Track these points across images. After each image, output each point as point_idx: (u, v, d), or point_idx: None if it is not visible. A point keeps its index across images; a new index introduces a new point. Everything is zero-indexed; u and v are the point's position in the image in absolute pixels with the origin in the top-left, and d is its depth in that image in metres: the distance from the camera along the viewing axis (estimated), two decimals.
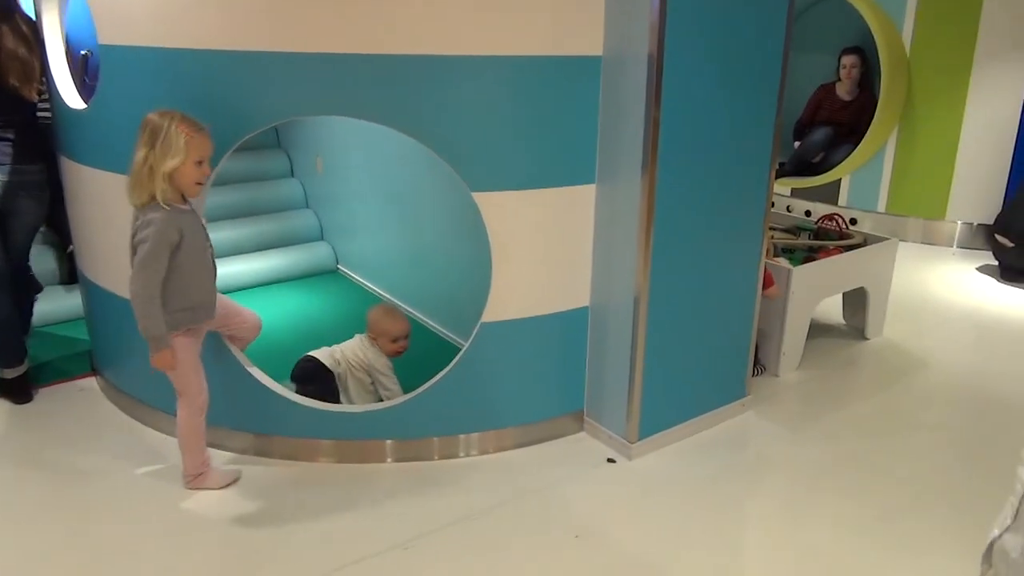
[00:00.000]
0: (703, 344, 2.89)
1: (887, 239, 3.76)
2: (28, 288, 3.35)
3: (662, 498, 2.57)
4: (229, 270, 4.30)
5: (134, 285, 2.27)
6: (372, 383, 2.94)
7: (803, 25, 5.92)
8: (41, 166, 3.02)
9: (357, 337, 2.98)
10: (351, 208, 4.42)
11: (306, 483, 2.63)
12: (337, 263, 4.69)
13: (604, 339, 2.80)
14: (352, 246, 4.56)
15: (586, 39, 2.52)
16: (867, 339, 3.83)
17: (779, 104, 2.80)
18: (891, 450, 2.88)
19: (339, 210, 4.58)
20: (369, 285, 4.38)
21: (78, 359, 3.45)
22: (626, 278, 2.65)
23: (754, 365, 3.20)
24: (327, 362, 2.93)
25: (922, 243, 5.49)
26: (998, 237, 4.74)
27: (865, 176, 5.68)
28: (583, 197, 2.68)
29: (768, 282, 3.15)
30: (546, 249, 2.67)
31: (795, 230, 4.07)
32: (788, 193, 6.00)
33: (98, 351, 3.25)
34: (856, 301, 3.81)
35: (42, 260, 3.88)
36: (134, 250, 2.28)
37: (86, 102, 2.72)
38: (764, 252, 2.98)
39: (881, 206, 5.64)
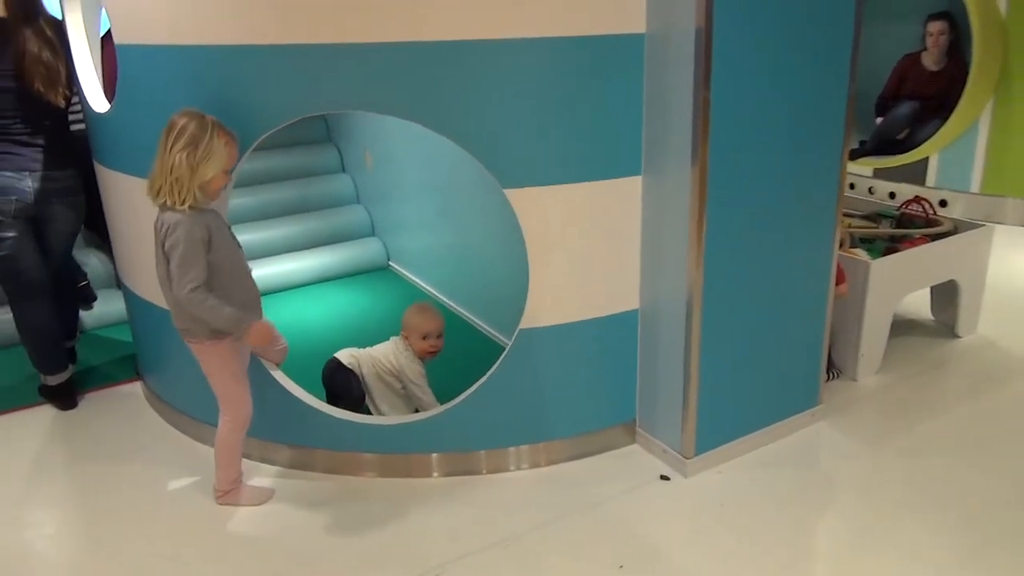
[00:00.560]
0: (767, 348, 2.61)
1: (982, 225, 3.37)
2: (71, 294, 3.34)
3: (718, 523, 2.33)
4: (279, 269, 4.24)
5: (180, 290, 2.17)
6: (403, 388, 2.79)
7: None
8: (73, 172, 2.96)
9: (392, 340, 2.84)
10: (402, 203, 4.28)
11: (346, 498, 2.51)
12: (388, 260, 4.57)
13: (655, 344, 2.56)
14: (403, 242, 4.43)
15: (627, 15, 2.27)
16: (959, 337, 3.45)
17: (852, 76, 2.49)
18: (986, 470, 2.55)
19: (390, 205, 4.45)
20: (420, 283, 4.24)
21: (124, 363, 3.43)
22: (677, 277, 2.41)
23: (827, 369, 2.90)
24: (346, 361, 2.81)
25: (1022, 226, 4.99)
26: None
27: (956, 153, 5.20)
28: (628, 190, 2.44)
29: (838, 278, 2.83)
30: (588, 249, 2.45)
31: (875, 217, 3.71)
32: (870, 174, 5.56)
33: (141, 358, 3.20)
34: (946, 294, 3.44)
35: (94, 263, 3.88)
36: (168, 257, 2.19)
37: None
38: (837, 243, 2.68)
39: (975, 186, 5.15)
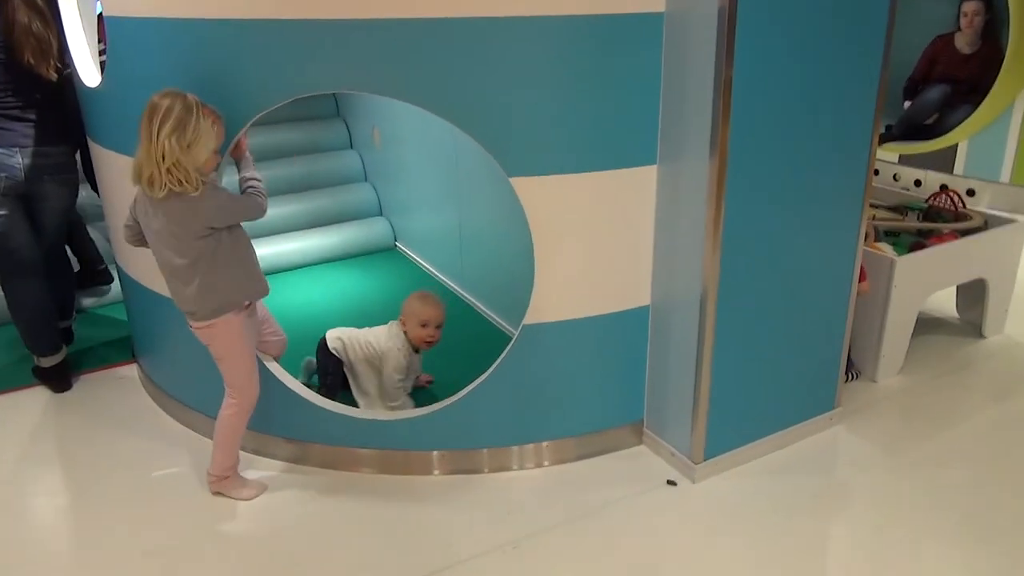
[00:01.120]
0: (784, 348, 2.49)
1: (1013, 221, 3.21)
2: (67, 272, 3.25)
3: (725, 532, 2.22)
4: (282, 248, 4.14)
5: (261, 212, 2.28)
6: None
7: None
8: (65, 148, 2.86)
9: (389, 324, 2.74)
10: (410, 183, 4.15)
11: (341, 495, 2.43)
12: (395, 240, 4.45)
13: (666, 343, 2.44)
14: (411, 223, 4.30)
15: None
16: (985, 337, 3.30)
17: (885, 60, 2.33)
18: (1013, 483, 2.42)
19: (398, 185, 4.32)
20: (426, 265, 4.12)
21: (121, 344, 3.35)
22: (692, 272, 2.28)
23: (847, 369, 2.77)
24: (331, 344, 2.75)
25: None
26: None
27: (987, 141, 4.99)
28: (642, 180, 2.30)
29: (859, 276, 2.68)
30: (598, 242, 2.32)
31: (901, 209, 3.55)
32: (896, 160, 5.36)
33: (136, 340, 3.12)
34: (973, 292, 3.29)
35: (99, 238, 3.79)
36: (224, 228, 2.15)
37: None
38: (862, 237, 2.54)
39: (1005, 176, 4.94)
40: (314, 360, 2.86)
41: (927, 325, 3.35)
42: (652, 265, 2.41)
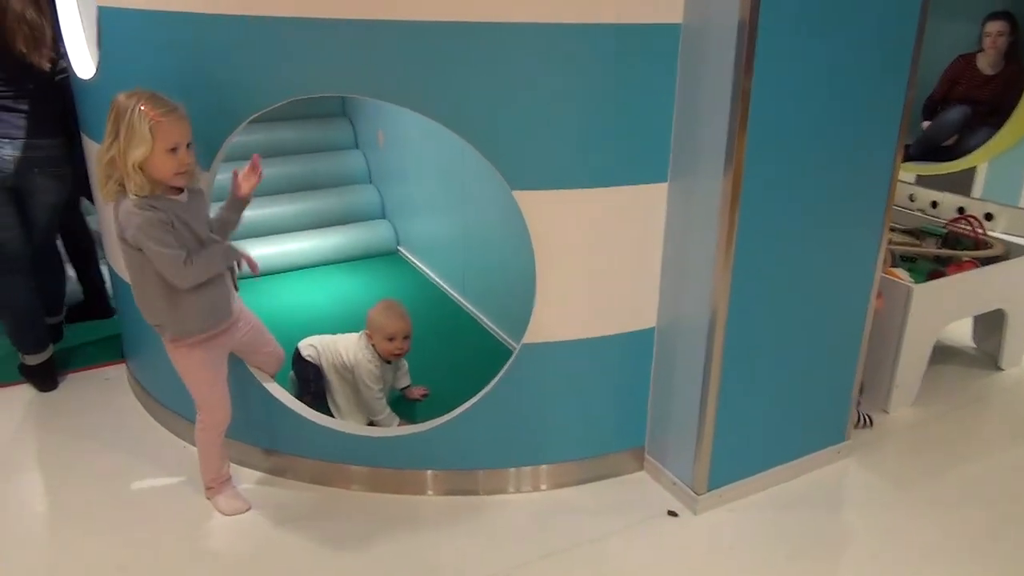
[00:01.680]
0: (794, 376, 2.38)
1: None
2: (56, 268, 3.16)
3: (724, 568, 2.12)
4: (282, 248, 4.05)
5: (183, 282, 1.98)
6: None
7: None
8: (58, 141, 2.77)
9: (360, 334, 2.65)
10: (414, 185, 4.05)
11: (330, 513, 2.34)
12: (398, 244, 4.35)
13: (671, 366, 2.34)
14: (414, 227, 4.20)
15: (663, 2, 2.02)
16: (1002, 369, 3.19)
17: (911, 79, 2.22)
18: None
19: (402, 187, 4.22)
20: (428, 272, 4.02)
21: (111, 343, 3.25)
22: (700, 294, 2.17)
23: (858, 416, 2.66)
24: (304, 351, 2.65)
25: None
26: None
27: (1007, 164, 4.87)
28: (652, 198, 2.20)
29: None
30: (603, 261, 2.22)
31: (919, 233, 3.44)
32: (912, 180, 5.25)
33: (125, 340, 3.03)
34: (990, 322, 3.18)
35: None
36: (137, 252, 1.98)
37: None
38: (881, 263, 2.43)
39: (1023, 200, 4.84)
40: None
41: (942, 354, 3.24)
42: (659, 286, 2.31)
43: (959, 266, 2.97)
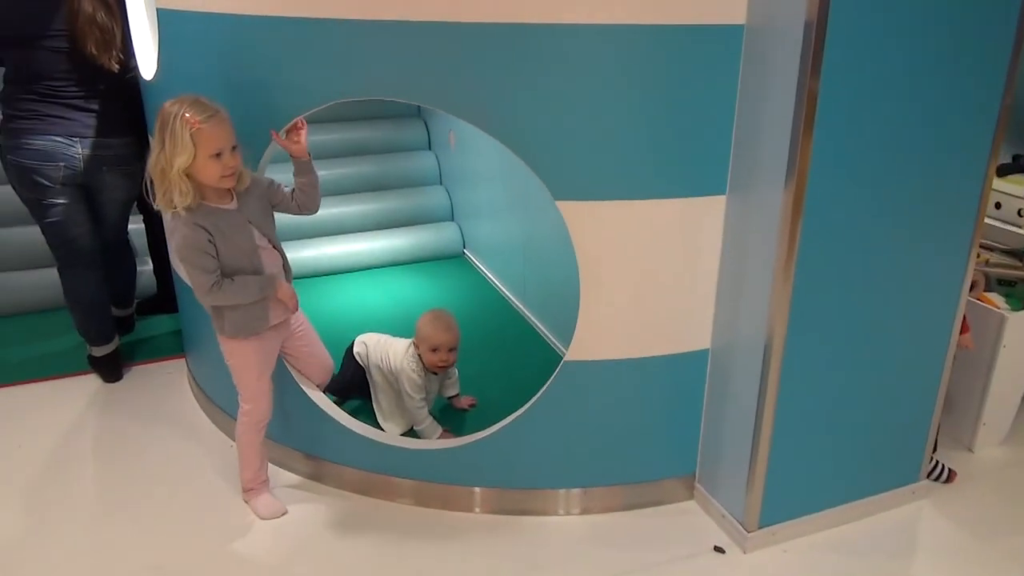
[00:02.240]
0: (861, 407, 2.19)
1: None
2: (127, 263, 3.25)
3: None
4: (347, 248, 4.05)
5: (205, 300, 2.06)
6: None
7: None
8: (127, 140, 2.83)
9: (409, 341, 2.60)
10: (481, 188, 3.99)
11: (374, 525, 2.30)
12: (464, 247, 4.30)
13: (724, 391, 2.19)
14: (480, 230, 4.14)
15: (726, 1, 1.87)
16: None
17: (1009, 83, 1.99)
18: None
19: (470, 189, 4.17)
20: (491, 276, 3.95)
21: (175, 338, 3.32)
22: (757, 316, 2.02)
23: (934, 466, 2.43)
24: (356, 347, 2.66)
25: None
26: None
27: None
28: (709, 211, 2.06)
29: (961, 327, 2.33)
30: (654, 277, 2.09)
31: (1022, 254, 3.12)
32: (1022, 195, 4.82)
33: (185, 337, 3.09)
34: None
35: None
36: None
37: None
38: (967, 286, 2.21)
39: None
40: None
41: None
42: (715, 305, 2.16)
43: None
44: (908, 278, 2.10)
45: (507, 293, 3.74)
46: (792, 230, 1.88)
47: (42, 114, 2.68)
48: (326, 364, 2.46)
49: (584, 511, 2.34)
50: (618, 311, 2.11)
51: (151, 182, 1.95)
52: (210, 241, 1.99)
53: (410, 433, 2.57)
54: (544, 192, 2.02)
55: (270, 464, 2.52)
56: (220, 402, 2.71)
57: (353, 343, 2.70)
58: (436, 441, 2.47)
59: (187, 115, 1.86)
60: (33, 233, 3.07)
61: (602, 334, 2.13)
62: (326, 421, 2.38)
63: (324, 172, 4.16)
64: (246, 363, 2.19)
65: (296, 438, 2.46)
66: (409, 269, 4.12)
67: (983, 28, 1.90)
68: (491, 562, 2.14)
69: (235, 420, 2.58)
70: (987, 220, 3.28)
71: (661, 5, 1.84)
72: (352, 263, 4.05)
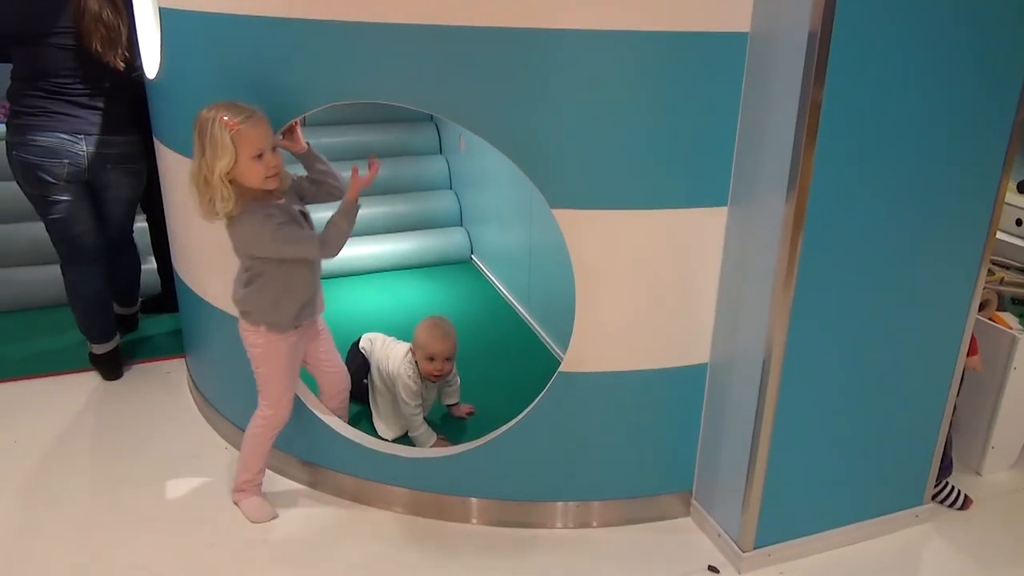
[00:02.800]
0: (862, 427, 2.13)
1: None
2: (132, 261, 3.25)
3: None
4: (354, 252, 4.03)
5: (324, 256, 2.06)
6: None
7: None
8: (133, 138, 2.83)
9: (408, 347, 2.58)
10: (489, 193, 3.96)
11: (359, 532, 2.26)
12: (472, 253, 4.28)
13: (722, 407, 2.14)
14: (486, 236, 4.12)
15: (730, 9, 1.83)
16: None
17: (1022, 98, 1.94)
18: None
19: (479, 194, 4.14)
20: (497, 283, 3.92)
21: (175, 337, 3.31)
22: (755, 331, 1.97)
23: (947, 491, 2.37)
24: (362, 342, 2.68)
25: None
26: None
27: None
28: (709, 222, 2.02)
29: (970, 349, 2.27)
30: (652, 289, 2.05)
31: None
32: None
33: (184, 336, 3.08)
34: None
35: None
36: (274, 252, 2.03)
37: None
38: (976, 304, 2.14)
39: None
40: None
41: None
42: (715, 319, 2.11)
43: None
44: (913, 294, 2.04)
45: (512, 300, 3.70)
46: (793, 243, 1.84)
47: (48, 111, 2.68)
48: (344, 372, 2.43)
49: (580, 524, 2.30)
50: (615, 322, 2.07)
51: (194, 193, 1.92)
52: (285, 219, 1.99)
53: (405, 439, 2.54)
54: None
55: (267, 469, 2.51)
56: (217, 404, 2.69)
57: (360, 338, 2.71)
58: (431, 449, 2.44)
59: (225, 118, 1.84)
60: (37, 229, 3.08)
61: (598, 345, 2.09)
62: (322, 427, 2.35)
63: None
64: (276, 362, 2.15)
65: (291, 444, 2.44)
66: (416, 273, 4.10)
67: (995, 39, 1.85)
68: (485, 575, 2.10)
69: (230, 422, 2.59)
70: (1007, 237, 3.21)
71: (664, 12, 1.80)
72: (360, 266, 4.04)
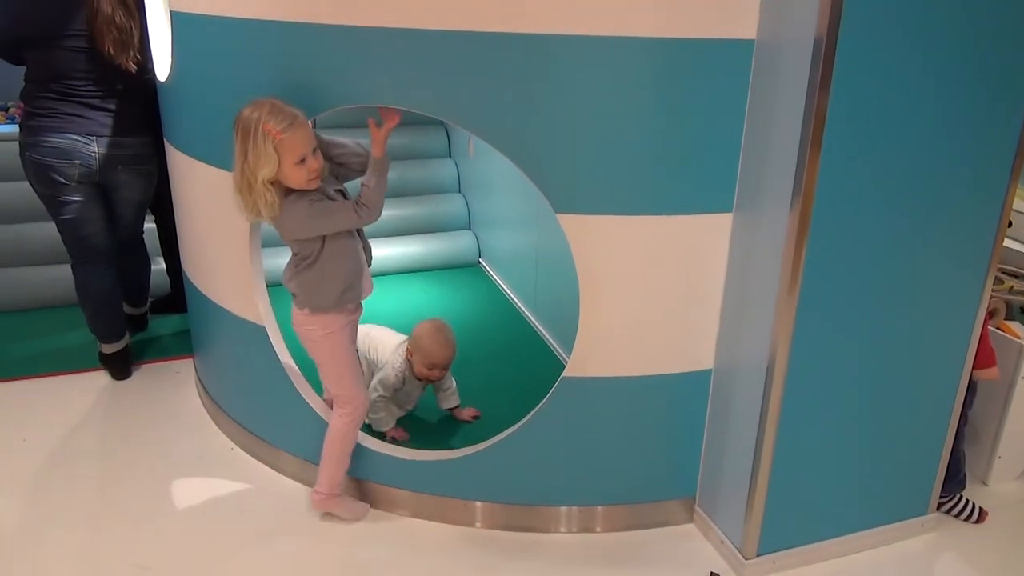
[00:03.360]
0: (867, 435, 2.13)
1: None
2: (142, 262, 3.27)
3: None
4: None
5: (365, 223, 2.05)
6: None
7: None
8: (144, 139, 2.86)
9: (403, 341, 2.58)
10: (496, 197, 3.97)
11: (361, 535, 2.26)
12: (480, 256, 4.28)
13: (726, 414, 2.14)
14: (494, 240, 4.12)
15: (737, 16, 1.84)
16: None
17: None
18: None
19: (487, 198, 4.15)
20: (504, 287, 3.93)
21: (184, 338, 3.33)
22: (759, 337, 1.97)
23: (950, 488, 2.34)
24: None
25: None
26: None
27: None
28: (714, 228, 2.02)
29: (986, 360, 2.26)
30: (656, 295, 2.05)
31: None
32: None
33: (193, 337, 3.10)
34: None
35: None
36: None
37: None
38: (983, 313, 2.13)
39: None
40: None
41: None
42: (719, 325, 2.11)
43: None
44: (919, 302, 2.03)
45: (519, 304, 3.71)
46: (797, 249, 1.84)
47: (60, 112, 2.71)
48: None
49: (583, 529, 2.30)
50: (619, 327, 2.07)
51: (238, 198, 1.94)
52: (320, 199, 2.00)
53: (406, 443, 2.55)
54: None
55: (267, 469, 2.53)
56: (224, 405, 2.71)
57: None
58: (434, 452, 2.44)
59: (269, 124, 1.84)
60: (49, 229, 3.11)
61: (602, 350, 2.09)
62: (323, 428, 2.36)
63: None
64: (341, 355, 2.15)
65: (293, 444, 2.45)
66: (424, 276, 4.11)
67: (1001, 46, 1.84)
68: None
69: (236, 422, 2.60)
70: (1015, 245, 3.19)
71: (670, 18, 1.81)
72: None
